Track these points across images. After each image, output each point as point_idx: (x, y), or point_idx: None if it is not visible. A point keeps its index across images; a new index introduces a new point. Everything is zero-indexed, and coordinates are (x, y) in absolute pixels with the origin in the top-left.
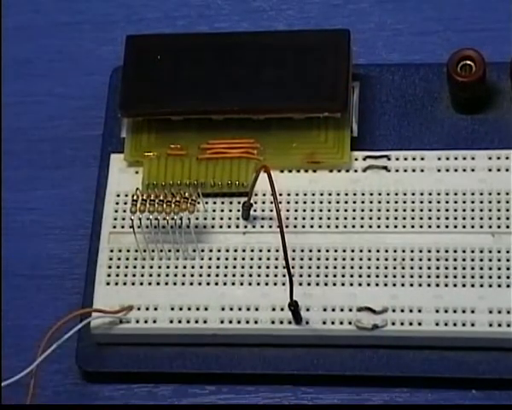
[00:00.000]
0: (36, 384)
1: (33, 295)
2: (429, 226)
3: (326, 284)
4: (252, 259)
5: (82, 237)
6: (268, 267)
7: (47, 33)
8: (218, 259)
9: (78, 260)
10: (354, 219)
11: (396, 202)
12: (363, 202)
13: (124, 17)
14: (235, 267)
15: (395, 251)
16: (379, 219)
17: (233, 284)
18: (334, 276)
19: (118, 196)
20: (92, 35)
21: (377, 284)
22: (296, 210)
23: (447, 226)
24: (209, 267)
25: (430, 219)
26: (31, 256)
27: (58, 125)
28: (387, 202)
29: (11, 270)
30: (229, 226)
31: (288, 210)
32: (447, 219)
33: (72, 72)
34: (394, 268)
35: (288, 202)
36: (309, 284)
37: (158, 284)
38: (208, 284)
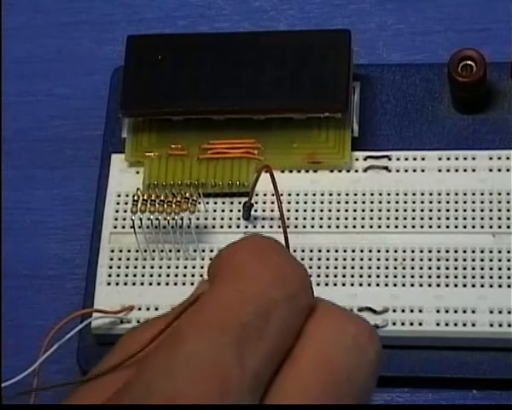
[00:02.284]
0: (38, 384)
1: (34, 295)
2: (430, 226)
3: (327, 284)
4: None
5: (83, 237)
6: None
7: (47, 33)
8: None
9: (78, 261)
10: (355, 219)
11: (397, 203)
12: (363, 203)
13: (124, 17)
14: None
15: (396, 251)
16: (379, 219)
17: None
18: (335, 276)
19: (118, 196)
20: (93, 35)
21: (378, 284)
22: (297, 210)
23: (448, 226)
24: None
25: (431, 219)
26: (31, 256)
27: (58, 126)
28: (388, 203)
29: (11, 270)
30: (229, 226)
31: (288, 210)
32: (448, 219)
33: (73, 72)
34: (395, 268)
35: (289, 202)
36: None
37: (159, 284)
38: None
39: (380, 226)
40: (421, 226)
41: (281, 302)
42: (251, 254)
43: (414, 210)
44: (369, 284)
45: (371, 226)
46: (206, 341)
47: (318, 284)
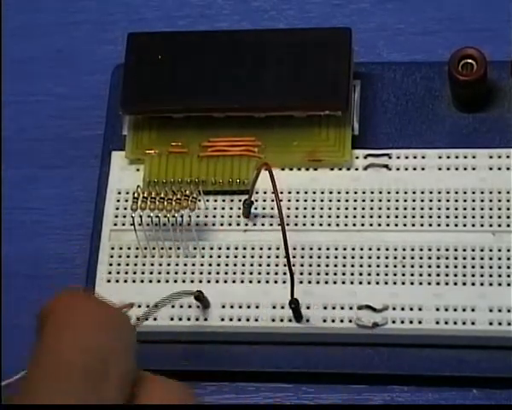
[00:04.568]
0: None
1: (34, 295)
2: (430, 225)
3: (326, 282)
4: (252, 257)
5: (83, 237)
6: (268, 265)
7: (47, 33)
8: (219, 256)
9: (78, 260)
10: (355, 217)
11: (397, 201)
12: (363, 201)
13: (124, 17)
14: (235, 265)
15: (395, 249)
16: (379, 217)
17: (233, 281)
18: (335, 274)
19: (119, 193)
20: (93, 35)
21: (377, 283)
22: (297, 208)
23: (448, 225)
24: (210, 265)
25: (431, 217)
26: (31, 256)
27: (59, 125)
28: (388, 201)
29: (11, 270)
30: (229, 224)
31: (288, 208)
32: (448, 217)
33: (73, 71)
34: (395, 266)
35: (289, 200)
36: (309, 282)
37: (158, 281)
38: (209, 281)
39: (380, 224)
40: (421, 225)
41: (115, 347)
42: (69, 304)
43: (414, 208)
44: (369, 282)
45: (371, 224)
46: (56, 394)
47: (318, 282)
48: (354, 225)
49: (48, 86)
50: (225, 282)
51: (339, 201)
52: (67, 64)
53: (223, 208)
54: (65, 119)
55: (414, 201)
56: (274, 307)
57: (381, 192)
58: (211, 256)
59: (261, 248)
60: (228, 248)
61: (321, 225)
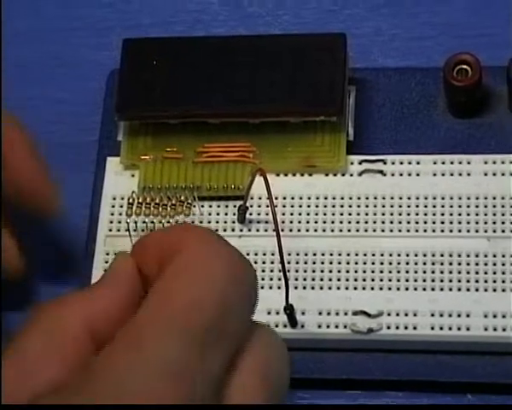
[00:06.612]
0: None
1: (31, 299)
2: (425, 230)
3: (321, 288)
4: None
5: (78, 243)
6: (264, 271)
7: (43, 39)
8: None
9: (74, 265)
10: (350, 222)
11: (392, 206)
12: (358, 206)
13: (120, 23)
14: None
15: (391, 255)
16: (374, 223)
17: None
18: (330, 280)
19: (114, 199)
20: (88, 41)
21: (372, 288)
22: (292, 214)
23: (443, 231)
24: None
25: (426, 223)
26: None
27: (54, 131)
28: (383, 206)
29: None
30: (224, 230)
31: (283, 214)
32: (443, 223)
33: (69, 77)
34: (390, 272)
35: (284, 206)
36: (304, 288)
37: None
38: None
39: (375, 230)
40: (416, 230)
41: (236, 305)
42: (202, 246)
43: (409, 214)
44: (364, 288)
45: (366, 230)
46: (168, 345)
47: (313, 288)
48: (349, 230)
49: (43, 92)
50: None
51: (334, 206)
52: (63, 70)
53: (218, 214)
54: (60, 124)
55: (409, 206)
56: (269, 313)
57: (376, 198)
58: None
59: (256, 254)
60: None
61: (316, 230)
